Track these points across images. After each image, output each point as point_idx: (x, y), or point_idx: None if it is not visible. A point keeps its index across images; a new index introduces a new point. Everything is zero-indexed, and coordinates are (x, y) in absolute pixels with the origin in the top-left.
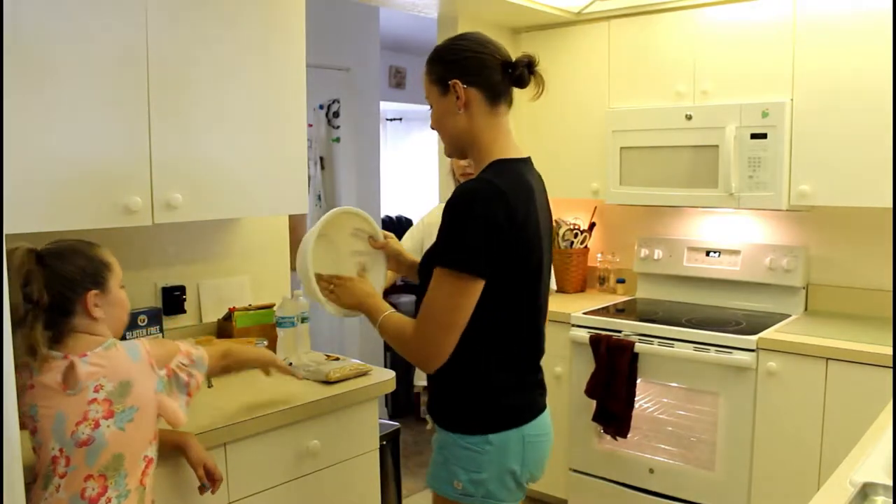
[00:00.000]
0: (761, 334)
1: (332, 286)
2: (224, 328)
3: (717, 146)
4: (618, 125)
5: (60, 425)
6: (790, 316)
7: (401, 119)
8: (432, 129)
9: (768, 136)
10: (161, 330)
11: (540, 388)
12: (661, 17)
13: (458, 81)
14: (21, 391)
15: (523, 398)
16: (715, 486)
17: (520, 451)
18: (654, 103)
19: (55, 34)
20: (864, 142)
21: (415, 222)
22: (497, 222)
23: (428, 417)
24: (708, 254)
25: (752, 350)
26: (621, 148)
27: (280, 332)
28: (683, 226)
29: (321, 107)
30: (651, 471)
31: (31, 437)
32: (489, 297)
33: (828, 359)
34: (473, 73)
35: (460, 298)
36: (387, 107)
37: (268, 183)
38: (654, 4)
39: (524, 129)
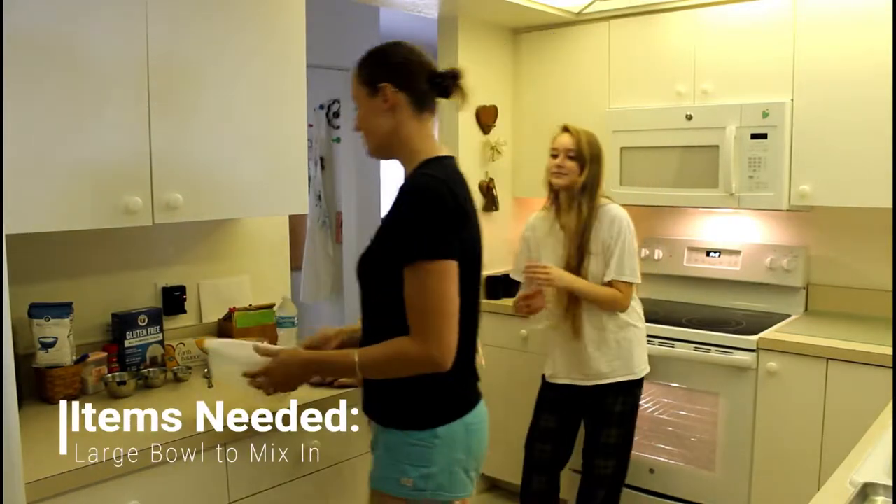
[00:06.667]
0: (761, 334)
1: (257, 380)
2: (224, 328)
3: (717, 146)
4: (618, 125)
5: None
6: (790, 316)
7: None
8: (356, 129)
9: (768, 136)
10: (161, 330)
11: (475, 376)
12: (661, 17)
13: (388, 85)
14: None
15: (466, 388)
16: (715, 486)
17: (465, 440)
18: (655, 103)
19: (55, 34)
20: (864, 142)
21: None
22: (449, 207)
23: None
24: (708, 254)
25: (753, 350)
26: (621, 148)
27: (280, 332)
28: (684, 226)
29: (321, 107)
30: (651, 471)
31: None
32: None
33: (828, 359)
34: (403, 78)
35: (448, 284)
36: None
37: (268, 183)
38: (653, 4)
39: (525, 129)
